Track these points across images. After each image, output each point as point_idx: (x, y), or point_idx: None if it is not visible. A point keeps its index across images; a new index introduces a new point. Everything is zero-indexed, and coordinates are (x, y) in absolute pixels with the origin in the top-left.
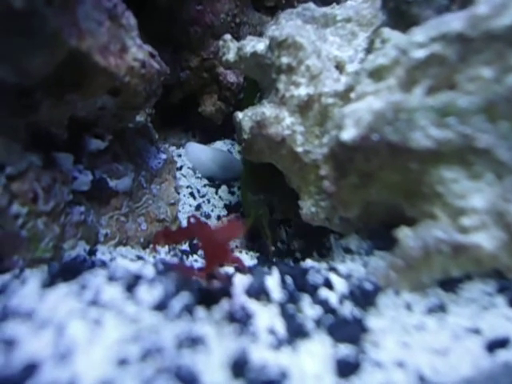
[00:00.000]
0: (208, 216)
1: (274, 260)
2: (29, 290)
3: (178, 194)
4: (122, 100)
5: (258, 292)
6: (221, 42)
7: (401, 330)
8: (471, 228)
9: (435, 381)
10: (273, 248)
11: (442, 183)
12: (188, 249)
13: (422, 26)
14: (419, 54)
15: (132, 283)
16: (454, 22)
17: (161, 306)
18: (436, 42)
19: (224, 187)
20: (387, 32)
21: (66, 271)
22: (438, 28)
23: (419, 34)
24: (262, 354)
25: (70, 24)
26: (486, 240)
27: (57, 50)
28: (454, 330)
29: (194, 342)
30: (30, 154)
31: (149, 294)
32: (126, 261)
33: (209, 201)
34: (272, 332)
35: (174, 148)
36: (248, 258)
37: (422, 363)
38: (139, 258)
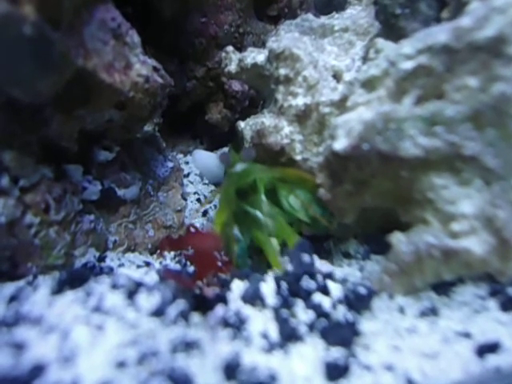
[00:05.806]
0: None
1: None
2: (39, 296)
3: (185, 200)
4: (128, 113)
5: (253, 298)
6: (223, 54)
7: (393, 333)
8: (461, 233)
9: None
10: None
11: (433, 189)
12: None
13: (410, 38)
14: (407, 65)
15: (133, 290)
16: (440, 34)
17: (158, 313)
18: (423, 53)
19: None
20: (381, 42)
21: (74, 279)
22: (424, 40)
23: (407, 46)
24: (253, 358)
25: (76, 45)
26: (475, 244)
27: (65, 70)
28: (445, 333)
29: (188, 346)
30: (42, 167)
31: (147, 301)
32: (130, 269)
33: (215, 206)
34: (265, 336)
35: (181, 155)
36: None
37: (411, 367)
38: (147, 263)
